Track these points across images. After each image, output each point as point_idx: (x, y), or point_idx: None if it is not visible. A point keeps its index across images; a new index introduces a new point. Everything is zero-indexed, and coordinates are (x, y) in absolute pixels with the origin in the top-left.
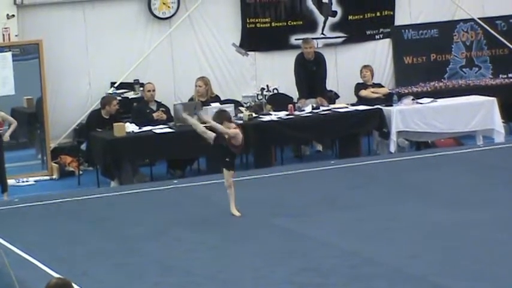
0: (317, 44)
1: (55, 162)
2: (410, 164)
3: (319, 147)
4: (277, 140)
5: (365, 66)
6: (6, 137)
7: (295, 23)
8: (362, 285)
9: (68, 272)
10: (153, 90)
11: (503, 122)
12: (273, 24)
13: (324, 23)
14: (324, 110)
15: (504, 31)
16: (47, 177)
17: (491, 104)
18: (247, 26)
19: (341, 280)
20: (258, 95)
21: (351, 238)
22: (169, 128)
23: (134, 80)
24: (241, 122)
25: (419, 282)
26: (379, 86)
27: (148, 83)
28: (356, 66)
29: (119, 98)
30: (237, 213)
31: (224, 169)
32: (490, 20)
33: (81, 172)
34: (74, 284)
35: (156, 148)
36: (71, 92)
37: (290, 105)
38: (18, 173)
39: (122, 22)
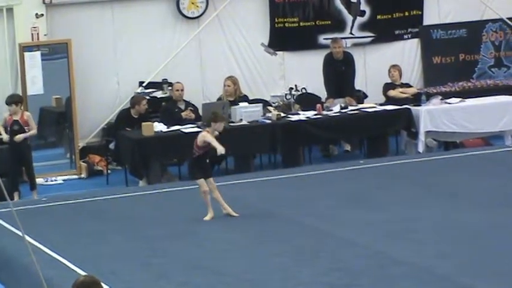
0: (345, 43)
1: (83, 162)
2: (438, 164)
3: (348, 147)
4: (306, 140)
5: (393, 66)
6: (19, 138)
7: (323, 22)
8: (390, 285)
9: (96, 271)
10: (182, 90)
11: None
12: (301, 23)
13: (353, 22)
14: (352, 110)
15: None
16: (76, 176)
17: None
18: (276, 25)
19: (369, 280)
20: (286, 94)
21: (379, 238)
22: (198, 127)
23: (163, 80)
24: (269, 121)
25: (447, 283)
26: (408, 85)
27: (177, 82)
28: (384, 66)
29: (147, 97)
30: (234, 214)
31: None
32: None
33: (109, 171)
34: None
35: (184, 147)
36: (99, 91)
37: (318, 105)
38: (46, 172)
39: (150, 22)
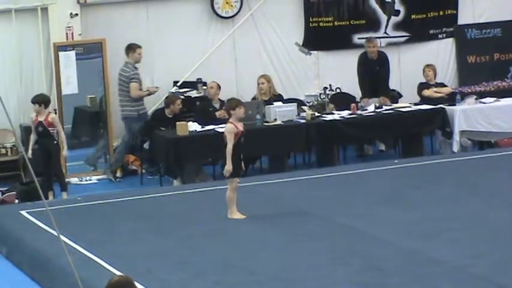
0: (380, 43)
1: None
2: (473, 164)
3: (382, 147)
4: (340, 139)
5: (428, 66)
6: (65, 154)
7: (358, 22)
8: (425, 285)
9: (130, 270)
10: (217, 89)
11: None
12: (335, 23)
13: (387, 22)
14: (386, 110)
15: None
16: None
17: None
18: (310, 25)
19: (404, 280)
20: (320, 94)
21: (414, 237)
22: None
23: (197, 79)
24: (303, 121)
25: (483, 282)
26: (442, 85)
27: (212, 81)
28: (419, 65)
29: (181, 97)
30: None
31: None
32: None
33: (143, 171)
34: (135, 282)
35: (218, 147)
36: None
37: (353, 105)
38: (81, 171)
39: (184, 21)
